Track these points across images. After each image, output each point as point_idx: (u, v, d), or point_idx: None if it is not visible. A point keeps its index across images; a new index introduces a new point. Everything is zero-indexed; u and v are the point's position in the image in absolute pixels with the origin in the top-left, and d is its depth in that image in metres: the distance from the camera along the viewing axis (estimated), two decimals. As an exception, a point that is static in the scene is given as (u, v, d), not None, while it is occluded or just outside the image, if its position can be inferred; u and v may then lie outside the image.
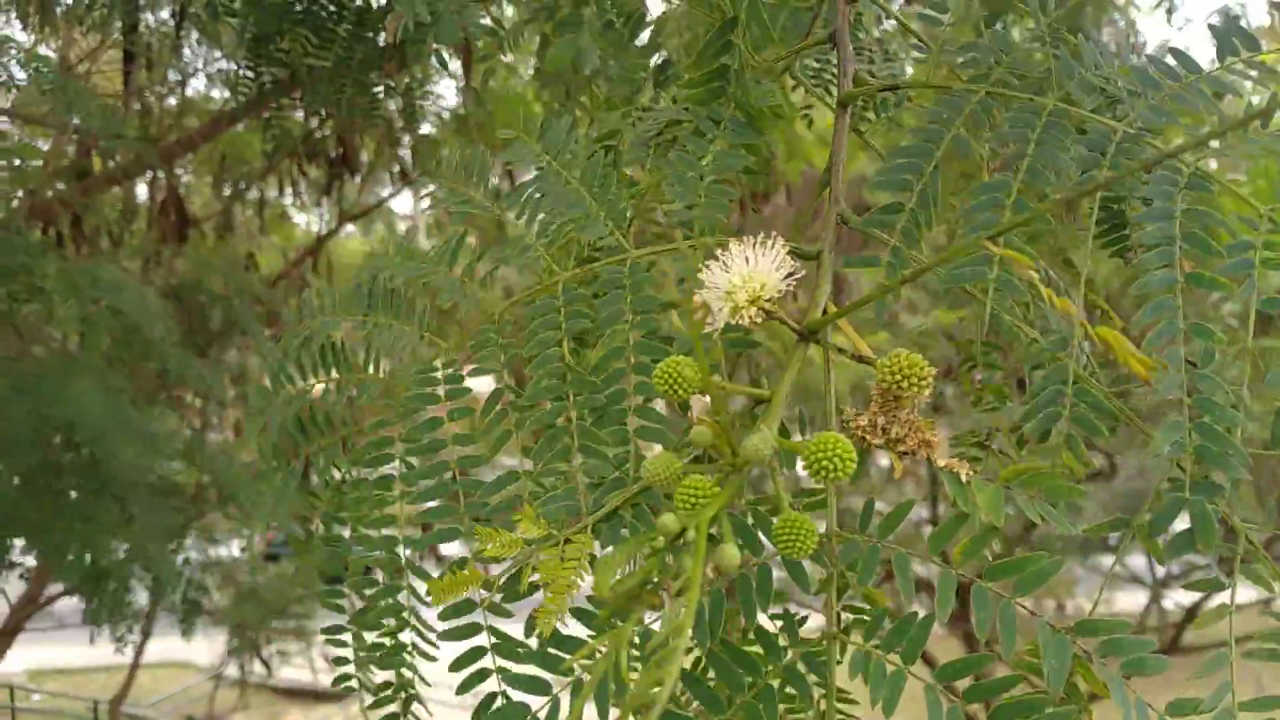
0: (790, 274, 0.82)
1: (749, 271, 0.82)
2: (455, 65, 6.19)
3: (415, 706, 1.02)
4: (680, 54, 1.16)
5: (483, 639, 0.87)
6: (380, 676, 1.04)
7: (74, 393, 2.56)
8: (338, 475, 1.05)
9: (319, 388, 1.09)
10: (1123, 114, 0.91)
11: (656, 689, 0.52)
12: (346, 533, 1.03)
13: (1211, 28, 0.95)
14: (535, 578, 0.80)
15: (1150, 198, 0.82)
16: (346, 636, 1.05)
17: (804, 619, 0.84)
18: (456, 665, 0.87)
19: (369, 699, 1.04)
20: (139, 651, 8.06)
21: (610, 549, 0.85)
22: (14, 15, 5.10)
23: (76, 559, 2.94)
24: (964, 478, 0.77)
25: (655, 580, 0.68)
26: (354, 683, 1.05)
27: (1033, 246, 0.85)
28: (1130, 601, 14.31)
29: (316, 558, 1.03)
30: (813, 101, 1.41)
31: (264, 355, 7.34)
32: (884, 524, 0.79)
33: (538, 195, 1.04)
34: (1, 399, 2.57)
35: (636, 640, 0.73)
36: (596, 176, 1.02)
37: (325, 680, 11.18)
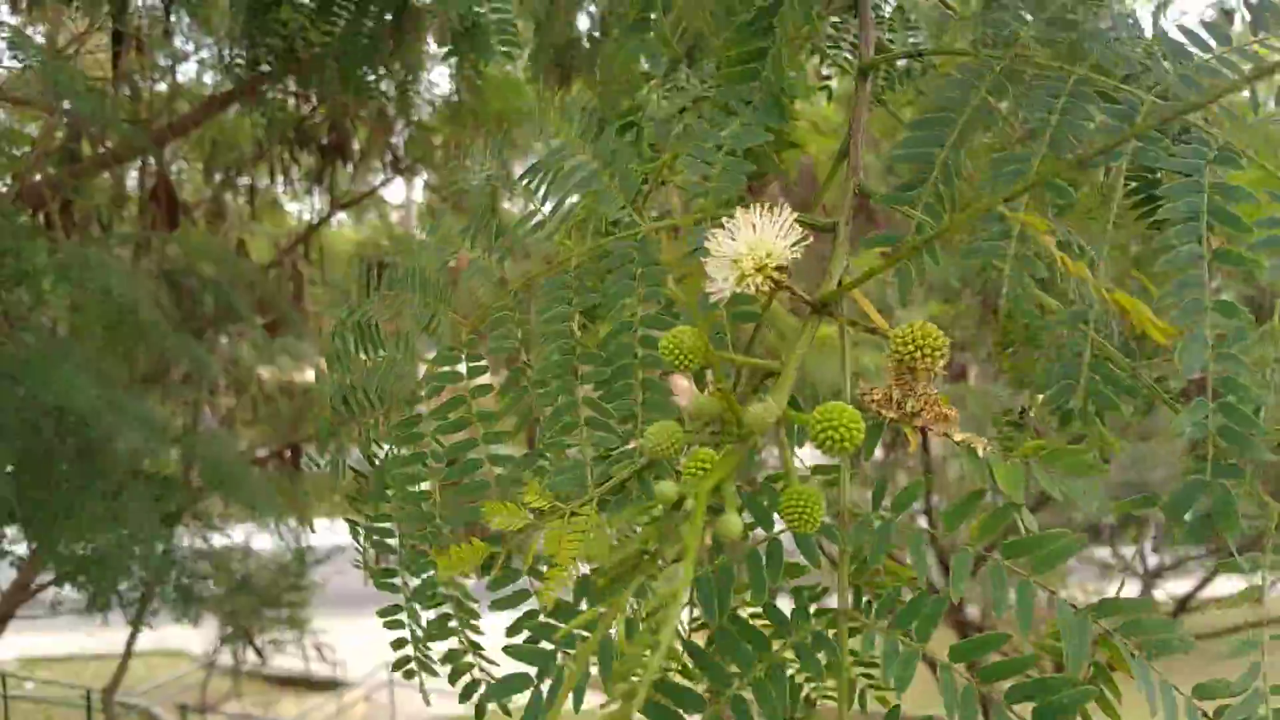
0: (798, 241, 0.80)
1: (755, 239, 0.80)
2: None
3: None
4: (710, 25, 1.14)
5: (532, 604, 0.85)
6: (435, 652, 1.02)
7: (64, 378, 2.53)
8: (380, 454, 1.04)
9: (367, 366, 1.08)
10: (1149, 84, 0.89)
11: (647, 655, 0.50)
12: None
13: (1247, 2, 0.93)
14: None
15: (1178, 170, 0.79)
16: (402, 616, 1.03)
17: (824, 590, 0.82)
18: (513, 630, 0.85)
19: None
20: (131, 640, 8.03)
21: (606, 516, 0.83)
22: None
23: (67, 547, 2.91)
24: (981, 453, 0.76)
25: (653, 549, 0.66)
26: (413, 664, 1.03)
27: (1060, 219, 0.83)
28: (1121, 592, 14.31)
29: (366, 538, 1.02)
30: (832, 73, 1.39)
31: (256, 343, 7.31)
32: (897, 501, 0.77)
33: (553, 172, 1.02)
34: None
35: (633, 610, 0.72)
36: (611, 152, 1.01)
37: (318, 669, 11.19)
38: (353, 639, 11.62)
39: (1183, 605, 11.59)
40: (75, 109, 2.90)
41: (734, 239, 0.81)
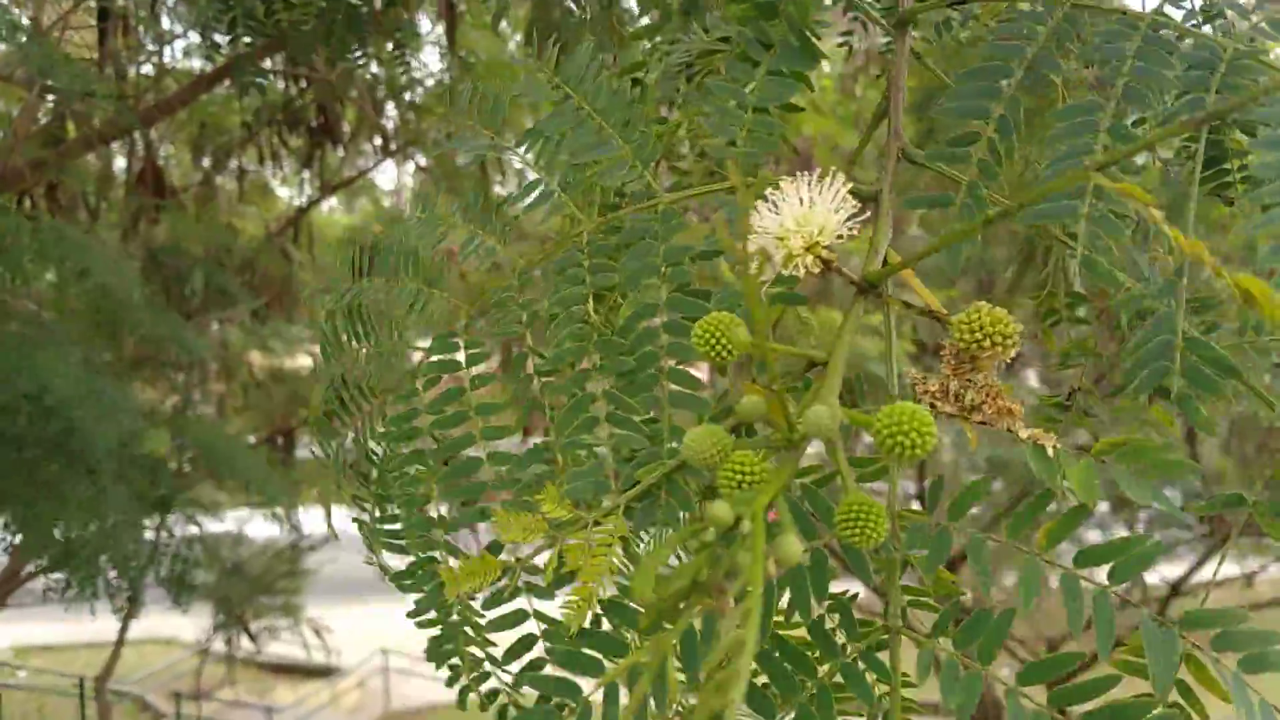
0: (851, 215, 0.72)
1: (804, 213, 0.72)
2: (439, 31, 6.04)
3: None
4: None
5: (532, 626, 0.76)
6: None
7: (42, 362, 2.44)
8: (377, 450, 0.95)
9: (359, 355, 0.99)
10: (1226, 29, 0.81)
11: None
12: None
13: None
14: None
15: (1269, 121, 0.71)
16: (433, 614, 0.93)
17: (853, 596, 0.74)
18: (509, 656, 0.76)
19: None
20: (124, 627, 7.96)
21: (650, 542, 0.75)
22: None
23: (47, 534, 2.83)
24: (1050, 451, 0.67)
25: (705, 579, 0.57)
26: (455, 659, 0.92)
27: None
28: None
29: (376, 541, 0.93)
30: (853, 29, 1.30)
31: (245, 327, 7.20)
32: (955, 504, 0.69)
33: (557, 136, 0.92)
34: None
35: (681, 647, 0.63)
36: (621, 111, 0.91)
37: (313, 656, 11.11)
38: (347, 626, 11.55)
39: (1175, 589, 11.56)
40: (59, 85, 2.79)
41: (778, 213, 0.73)
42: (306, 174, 6.82)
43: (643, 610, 0.59)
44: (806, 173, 0.71)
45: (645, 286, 0.81)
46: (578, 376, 0.81)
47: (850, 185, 0.71)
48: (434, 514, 0.89)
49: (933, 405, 0.71)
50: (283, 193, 8.20)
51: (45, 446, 2.64)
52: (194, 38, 6.39)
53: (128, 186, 5.99)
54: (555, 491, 0.71)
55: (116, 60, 5.07)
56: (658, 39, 1.17)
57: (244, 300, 5.23)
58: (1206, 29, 0.86)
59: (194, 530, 6.70)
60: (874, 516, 0.61)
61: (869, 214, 0.72)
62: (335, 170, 6.85)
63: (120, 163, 6.39)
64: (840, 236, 0.71)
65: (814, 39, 0.84)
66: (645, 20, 1.31)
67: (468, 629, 0.85)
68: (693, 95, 1.02)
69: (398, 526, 0.91)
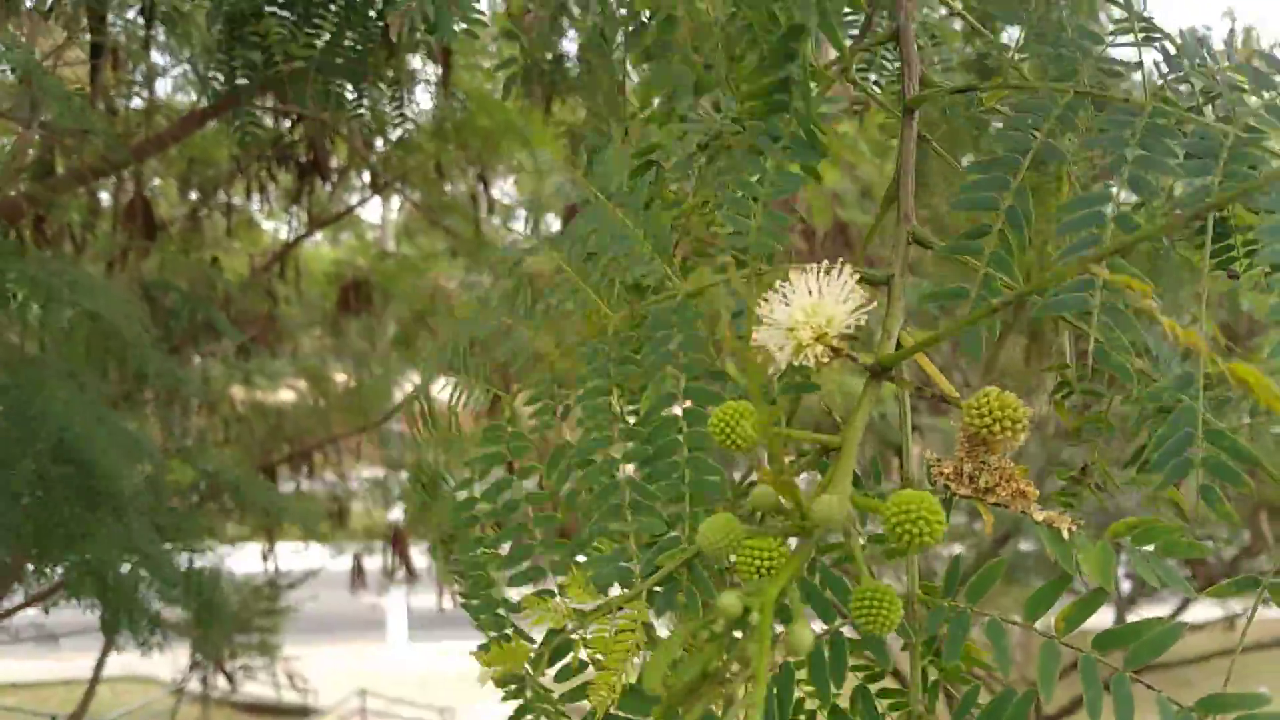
0: (860, 306, 0.72)
1: (813, 304, 0.73)
2: (429, 69, 6.06)
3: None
4: (720, 55, 1.05)
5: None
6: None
7: (56, 399, 2.44)
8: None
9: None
10: (1227, 111, 0.82)
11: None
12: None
13: None
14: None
15: (1273, 208, 0.72)
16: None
17: (881, 673, 0.74)
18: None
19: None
20: (99, 665, 7.82)
21: (663, 632, 0.75)
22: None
23: (82, 571, 2.80)
24: (1065, 534, 0.68)
25: (715, 670, 0.57)
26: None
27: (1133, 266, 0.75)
28: (1097, 619, 14.33)
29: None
30: (863, 101, 1.32)
31: (229, 361, 7.16)
32: (974, 586, 0.69)
33: (586, 233, 0.95)
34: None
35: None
36: (640, 203, 0.93)
37: (288, 697, 10.95)
38: (324, 665, 11.40)
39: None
40: (54, 118, 2.78)
41: (788, 304, 0.73)
42: (294, 209, 6.83)
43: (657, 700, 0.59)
44: (814, 265, 0.72)
45: (664, 376, 0.82)
46: (605, 464, 0.81)
47: (859, 274, 0.71)
48: (500, 595, 0.90)
49: (947, 487, 0.71)
50: (268, 225, 8.20)
51: (66, 483, 2.62)
52: (185, 70, 6.41)
53: (115, 219, 5.97)
54: (580, 577, 0.71)
55: (107, 95, 5.08)
56: (675, 121, 1.18)
57: (231, 335, 5.21)
58: (1208, 110, 0.88)
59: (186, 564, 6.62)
60: (888, 603, 0.61)
61: (876, 303, 0.73)
62: (323, 205, 6.85)
63: (107, 193, 6.38)
64: (848, 327, 0.71)
65: (821, 134, 0.85)
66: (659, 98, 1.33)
67: (545, 704, 0.85)
68: (708, 174, 1.03)
69: (475, 603, 0.92)
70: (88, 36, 5.01)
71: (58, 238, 5.73)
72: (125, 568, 2.97)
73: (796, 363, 0.71)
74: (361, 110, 2.90)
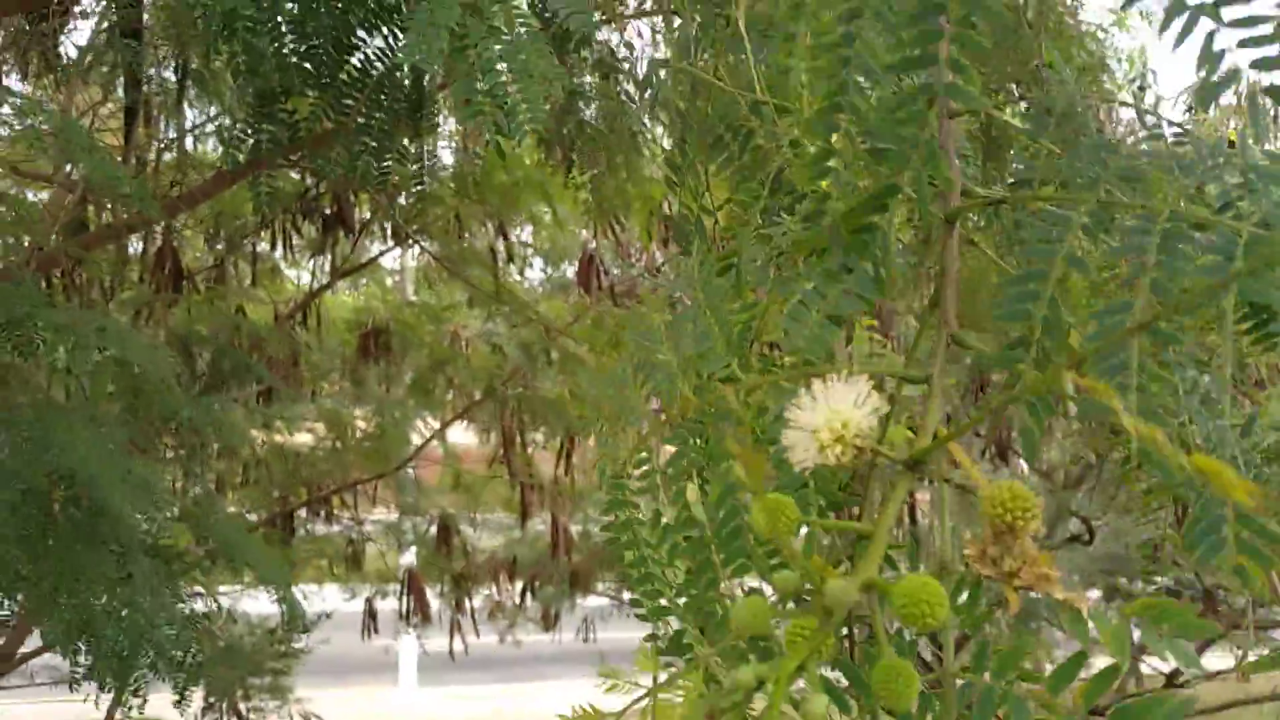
0: (875, 409, 0.82)
1: (832, 409, 0.82)
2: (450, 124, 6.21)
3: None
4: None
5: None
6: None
7: (73, 443, 2.53)
8: None
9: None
10: (1246, 213, 0.91)
11: None
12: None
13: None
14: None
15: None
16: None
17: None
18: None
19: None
20: (112, 708, 7.86)
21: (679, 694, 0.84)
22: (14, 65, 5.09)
23: (71, 616, 2.87)
24: (1085, 613, 0.77)
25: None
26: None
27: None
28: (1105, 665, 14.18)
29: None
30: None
31: (250, 406, 7.27)
32: (1000, 661, 0.78)
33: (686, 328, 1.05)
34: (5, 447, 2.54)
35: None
36: (720, 302, 1.03)
37: (301, 739, 10.91)
38: (335, 708, 11.38)
39: (1170, 681, 11.50)
40: (92, 175, 2.89)
41: (812, 409, 0.83)
42: (318, 259, 6.97)
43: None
44: (832, 373, 0.81)
45: (728, 467, 0.91)
46: (697, 542, 0.90)
47: (877, 380, 0.81)
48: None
49: (974, 568, 0.80)
50: (291, 273, 8.35)
51: (73, 525, 2.71)
52: (215, 126, 6.58)
53: (143, 269, 6.11)
54: (647, 651, 0.80)
55: (140, 152, 5.24)
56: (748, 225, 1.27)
57: (262, 378, 5.33)
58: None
59: (184, 608, 6.68)
60: (907, 680, 0.70)
61: (889, 408, 0.82)
62: (346, 255, 7.00)
63: (135, 243, 6.53)
64: (865, 429, 0.81)
65: (889, 275, 0.96)
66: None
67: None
68: (780, 284, 1.12)
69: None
70: (121, 92, 5.18)
71: (87, 286, 5.87)
72: (124, 614, 3.04)
73: (820, 463, 0.81)
74: (386, 178, 3.01)
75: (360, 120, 2.78)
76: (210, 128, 6.61)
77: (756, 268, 1.18)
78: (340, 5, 2.45)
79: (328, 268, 7.18)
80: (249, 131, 3.37)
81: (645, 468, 0.98)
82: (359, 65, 2.51)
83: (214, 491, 7.25)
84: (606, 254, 7.84)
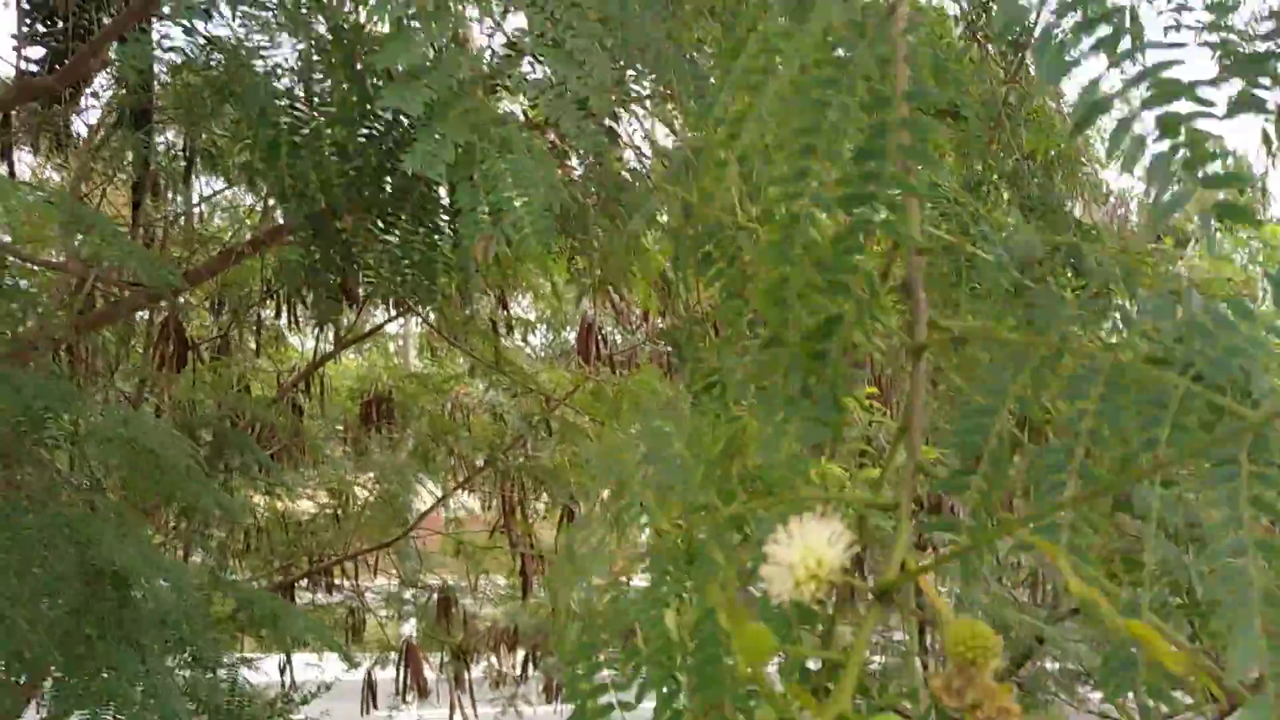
0: (848, 546, 0.85)
1: (806, 546, 0.85)
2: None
3: None
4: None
5: None
6: None
7: (108, 540, 2.57)
8: None
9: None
10: (1184, 363, 0.94)
11: None
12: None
13: (1269, 276, 0.99)
14: None
15: (1217, 460, 0.84)
16: None
17: None
18: None
19: None
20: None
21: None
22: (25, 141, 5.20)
23: (97, 705, 2.88)
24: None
25: None
26: None
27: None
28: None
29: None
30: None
31: (253, 475, 7.29)
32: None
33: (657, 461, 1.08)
34: (37, 541, 2.58)
35: None
36: (698, 427, 1.06)
37: (298, 811, 10.75)
38: (335, 779, 11.21)
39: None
40: (105, 256, 2.95)
41: (788, 545, 0.86)
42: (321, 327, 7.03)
43: None
44: (806, 513, 0.84)
45: (707, 593, 0.94)
46: (659, 676, 0.93)
47: (849, 519, 0.84)
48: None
49: (939, 698, 0.82)
50: (294, 340, 8.42)
51: (104, 615, 2.73)
52: (224, 200, 6.68)
53: (148, 341, 6.17)
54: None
55: (148, 227, 5.32)
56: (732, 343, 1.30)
57: (263, 463, 5.36)
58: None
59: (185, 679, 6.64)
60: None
61: (860, 547, 0.85)
62: (350, 324, 7.06)
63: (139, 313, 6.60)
64: (836, 567, 0.84)
65: (848, 397, 0.99)
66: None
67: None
68: (757, 404, 1.15)
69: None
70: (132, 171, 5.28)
71: (91, 357, 5.93)
72: (151, 703, 3.05)
73: (795, 599, 0.83)
74: (435, 294, 3.02)
75: (401, 236, 2.79)
76: (218, 201, 6.72)
77: (739, 383, 1.22)
78: (379, 129, 2.51)
79: (331, 335, 7.25)
80: (310, 250, 3.35)
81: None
82: (398, 185, 2.56)
83: (220, 561, 7.25)
84: (607, 321, 7.90)
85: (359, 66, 3.02)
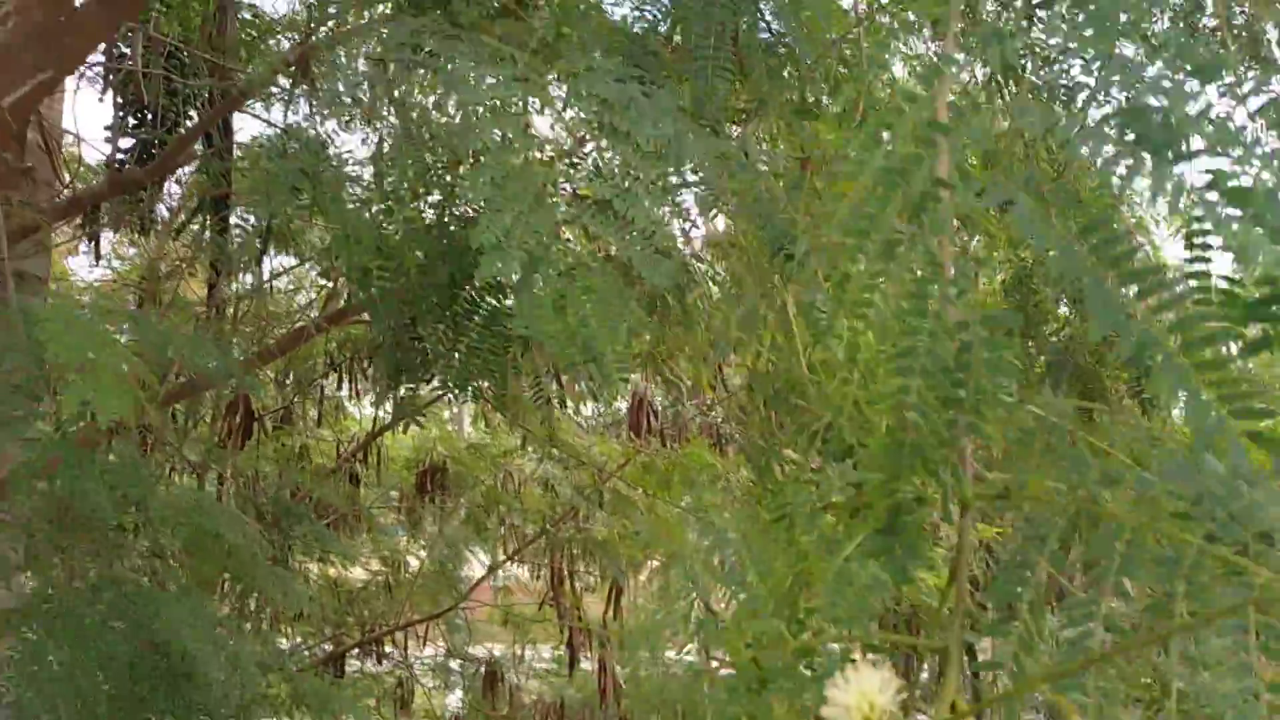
0: (898, 691, 0.93)
1: (861, 691, 0.94)
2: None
3: None
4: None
5: None
6: None
7: (174, 619, 2.69)
8: None
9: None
10: (1208, 516, 1.02)
11: None
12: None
13: None
14: None
15: (1226, 608, 0.92)
16: None
17: None
18: None
19: None
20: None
21: None
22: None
23: None
24: None
25: None
26: None
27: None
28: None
29: None
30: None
31: (309, 543, 7.43)
32: None
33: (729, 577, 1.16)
34: (104, 620, 2.70)
35: None
36: (769, 557, 1.15)
37: None
38: None
39: None
40: (189, 362, 3.11)
41: (846, 689, 0.95)
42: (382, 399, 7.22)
43: None
44: (862, 660, 0.93)
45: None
46: None
47: (919, 645, 0.92)
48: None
49: None
50: (354, 409, 8.62)
51: (167, 695, 2.83)
52: (293, 276, 6.93)
53: (215, 413, 6.38)
54: None
55: (221, 307, 5.55)
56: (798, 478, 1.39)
57: (326, 544, 5.51)
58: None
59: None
60: None
61: (906, 694, 0.93)
62: (409, 397, 7.24)
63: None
64: (888, 711, 0.92)
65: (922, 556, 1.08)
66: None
67: None
68: (824, 541, 1.24)
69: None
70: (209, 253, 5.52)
71: (161, 425, 6.14)
72: None
73: (854, 735, 0.92)
74: (503, 397, 3.13)
75: (472, 345, 2.90)
76: (287, 277, 6.98)
77: (806, 516, 1.30)
78: (454, 256, 2.65)
79: (389, 406, 7.43)
80: (394, 357, 3.49)
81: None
82: (471, 299, 2.69)
83: (271, 631, 7.37)
84: (657, 393, 7.99)
85: (429, 159, 3.19)
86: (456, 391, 2.67)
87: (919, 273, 1.00)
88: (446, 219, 3.04)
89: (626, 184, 1.77)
